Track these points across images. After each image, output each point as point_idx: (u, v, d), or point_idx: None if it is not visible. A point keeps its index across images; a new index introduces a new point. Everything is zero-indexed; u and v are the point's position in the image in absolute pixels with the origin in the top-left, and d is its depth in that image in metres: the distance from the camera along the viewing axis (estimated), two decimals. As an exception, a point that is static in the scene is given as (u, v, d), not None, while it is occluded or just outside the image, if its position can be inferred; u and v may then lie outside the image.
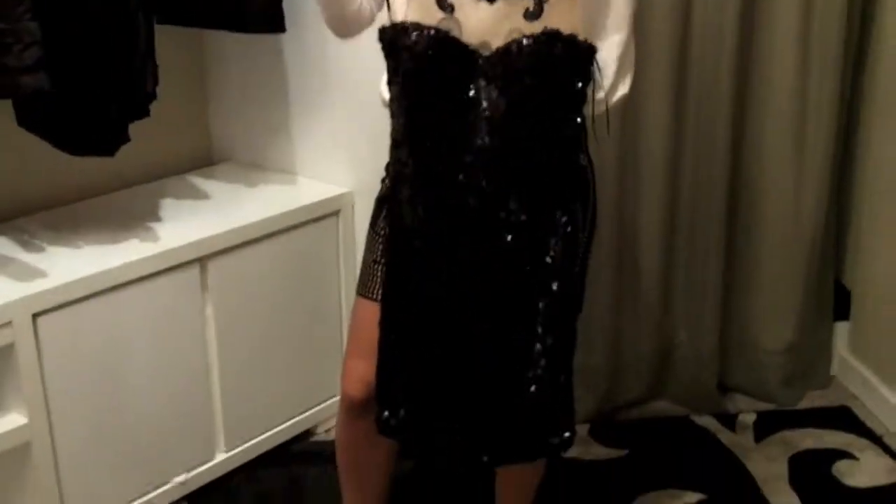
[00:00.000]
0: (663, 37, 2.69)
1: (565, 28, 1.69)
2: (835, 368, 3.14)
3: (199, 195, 2.69)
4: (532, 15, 1.71)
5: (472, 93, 1.70)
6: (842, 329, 3.13)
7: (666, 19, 2.68)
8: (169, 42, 2.48)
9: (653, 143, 2.78)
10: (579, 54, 1.72)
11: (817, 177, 2.84)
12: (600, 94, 1.83)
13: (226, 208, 2.59)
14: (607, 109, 1.88)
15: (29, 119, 2.19)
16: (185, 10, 2.47)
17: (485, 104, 1.70)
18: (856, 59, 2.88)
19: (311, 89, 2.73)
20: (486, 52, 1.70)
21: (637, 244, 2.87)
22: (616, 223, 2.81)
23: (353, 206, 2.74)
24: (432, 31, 1.69)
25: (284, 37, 2.62)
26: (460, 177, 1.73)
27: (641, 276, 2.90)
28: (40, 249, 2.30)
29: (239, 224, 2.48)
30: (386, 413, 1.85)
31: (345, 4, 1.89)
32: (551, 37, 1.68)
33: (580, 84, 1.75)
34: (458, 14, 1.72)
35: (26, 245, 2.32)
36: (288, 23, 2.54)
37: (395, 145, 1.81)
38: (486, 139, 1.71)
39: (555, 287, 1.79)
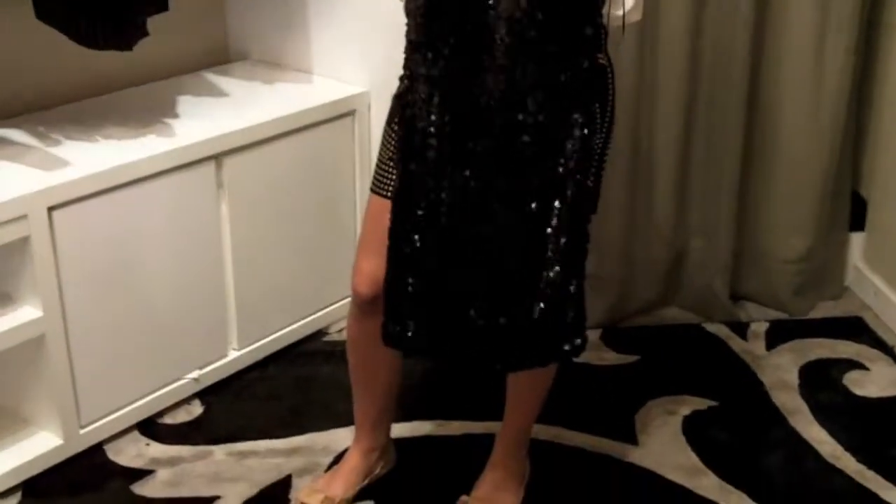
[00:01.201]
0: None
1: None
2: (849, 279, 3.14)
3: (216, 92, 2.67)
4: None
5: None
6: (857, 239, 3.12)
7: None
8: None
9: (671, 53, 2.75)
10: None
11: (836, 88, 2.81)
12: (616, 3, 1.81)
13: (242, 106, 2.58)
14: (624, 23, 1.86)
15: (48, 11, 2.16)
16: None
17: (502, 3, 1.68)
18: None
19: (328, -13, 2.70)
20: None
21: (653, 151, 2.85)
22: (632, 130, 2.79)
23: (369, 106, 2.72)
24: None
25: (302, -68, 2.59)
26: (478, 78, 1.72)
27: (656, 183, 2.89)
28: (56, 143, 2.29)
29: (255, 122, 2.46)
30: (394, 327, 1.86)
31: None
32: None
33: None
34: None
35: (43, 138, 2.32)
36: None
37: (412, 46, 1.80)
38: (505, 38, 1.69)
39: (569, 190, 1.78)
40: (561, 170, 1.77)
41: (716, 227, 2.94)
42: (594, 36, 1.78)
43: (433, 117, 1.76)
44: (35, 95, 2.51)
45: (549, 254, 1.79)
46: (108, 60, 2.40)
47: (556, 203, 1.78)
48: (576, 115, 1.77)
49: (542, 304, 1.81)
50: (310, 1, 2.76)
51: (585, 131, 1.79)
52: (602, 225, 2.69)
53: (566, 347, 1.87)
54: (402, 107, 1.84)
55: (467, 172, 1.77)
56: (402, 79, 1.92)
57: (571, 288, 1.83)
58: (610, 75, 1.89)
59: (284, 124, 2.53)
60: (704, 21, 2.75)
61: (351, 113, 2.70)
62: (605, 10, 1.80)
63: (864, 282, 3.06)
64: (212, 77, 2.78)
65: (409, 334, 1.87)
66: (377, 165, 1.97)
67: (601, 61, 1.84)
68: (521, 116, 1.74)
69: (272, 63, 2.89)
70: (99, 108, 2.53)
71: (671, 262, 2.99)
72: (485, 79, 1.72)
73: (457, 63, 1.73)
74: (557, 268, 1.80)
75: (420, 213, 1.81)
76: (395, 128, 1.91)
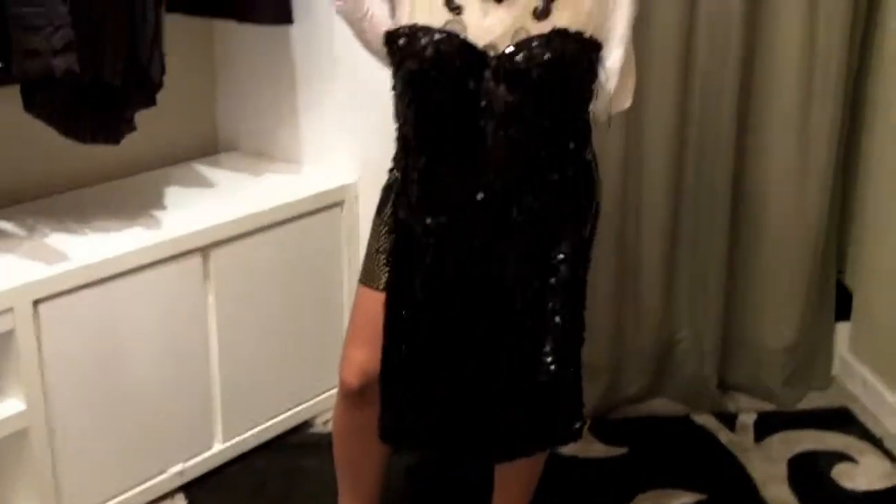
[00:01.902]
0: (668, 34, 2.68)
1: (572, 26, 1.71)
2: (836, 369, 3.14)
3: (204, 183, 2.69)
4: (541, 14, 1.71)
5: (481, 95, 1.71)
6: (843, 329, 3.12)
7: (670, 14, 2.67)
8: (178, 30, 2.47)
9: (656, 140, 2.77)
10: (588, 51, 1.73)
11: (820, 175, 2.83)
12: (603, 98, 1.84)
13: (230, 197, 2.59)
14: (609, 112, 1.89)
15: (36, 105, 2.18)
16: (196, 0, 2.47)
17: (494, 104, 1.71)
18: (859, 62, 2.87)
19: (318, 79, 2.73)
20: (493, 53, 1.70)
21: (639, 240, 2.87)
22: (619, 218, 2.80)
23: (357, 197, 2.73)
24: (441, 35, 1.70)
25: (292, 27, 2.62)
26: (471, 176, 1.74)
27: (643, 272, 2.90)
28: (44, 235, 2.30)
29: (242, 214, 2.48)
30: (391, 421, 1.85)
31: (353, 12, 1.88)
32: (561, 35, 1.69)
33: (588, 81, 1.77)
34: (465, 15, 1.72)
35: (30, 231, 2.32)
36: (296, 14, 2.54)
37: (404, 146, 1.82)
38: (497, 137, 1.71)
39: (564, 279, 1.80)
40: (555, 261, 1.79)
41: (703, 317, 2.94)
42: (583, 131, 1.81)
43: (428, 220, 1.78)
44: (23, 187, 2.52)
45: (548, 345, 1.80)
46: (97, 152, 2.41)
47: (551, 296, 1.80)
48: (567, 208, 1.80)
49: (541, 388, 1.81)
50: (298, 92, 2.79)
51: (576, 223, 1.82)
52: (590, 315, 2.67)
53: (565, 431, 1.87)
54: (394, 205, 1.86)
55: (463, 266, 1.78)
56: (391, 171, 1.94)
57: (570, 371, 1.84)
58: (595, 167, 1.91)
59: (272, 216, 2.54)
60: (689, 108, 2.79)
61: (339, 203, 2.71)
62: (591, 106, 1.83)
63: (852, 372, 3.06)
64: (201, 168, 2.80)
65: (407, 428, 1.86)
66: (366, 257, 1.97)
67: (587, 157, 1.86)
68: (514, 212, 1.75)
69: (261, 153, 2.92)
70: (87, 199, 2.54)
71: (659, 351, 2.98)
72: (477, 178, 1.74)
73: (449, 163, 1.76)
74: (555, 354, 1.80)
75: (415, 309, 1.81)
76: (385, 219, 1.92)
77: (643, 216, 2.85)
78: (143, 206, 2.47)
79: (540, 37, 1.69)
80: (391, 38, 1.75)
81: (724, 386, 3.03)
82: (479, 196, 1.74)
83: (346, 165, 2.74)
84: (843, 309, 3.11)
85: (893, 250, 2.82)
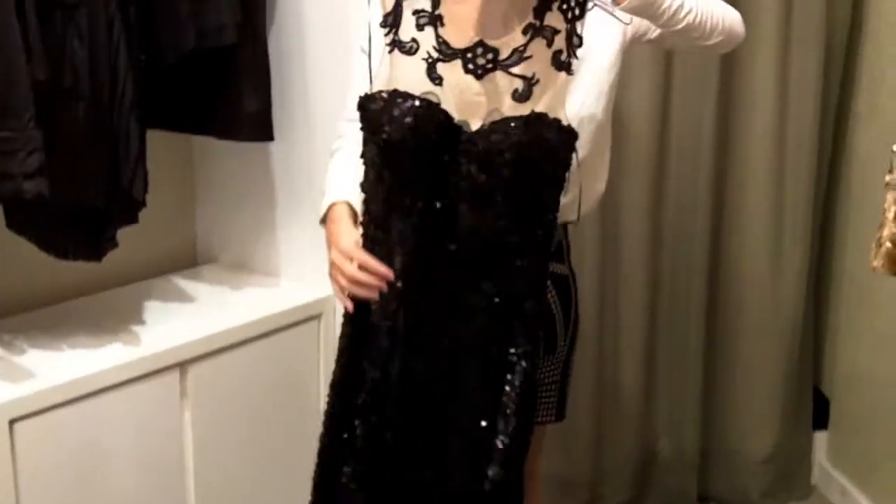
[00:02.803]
0: (643, 119, 2.73)
1: (551, 113, 1.70)
2: (815, 478, 3.14)
3: (182, 297, 2.69)
4: (521, 96, 1.70)
5: (452, 170, 1.69)
6: (821, 438, 3.13)
7: (644, 100, 2.72)
8: (158, 143, 2.49)
9: (631, 259, 2.82)
10: (563, 140, 1.71)
11: (794, 283, 2.87)
12: (573, 191, 1.85)
13: (207, 312, 2.59)
14: (580, 199, 1.89)
15: (18, 222, 2.19)
16: (177, 116, 2.50)
17: (463, 182, 1.69)
18: (831, 160, 2.92)
19: (296, 194, 2.75)
20: (469, 128, 1.70)
21: (618, 354, 2.88)
22: (596, 334, 2.82)
23: (334, 310, 2.74)
24: (419, 102, 1.68)
25: (272, 143, 2.65)
26: (436, 247, 1.72)
27: (622, 385, 2.91)
28: (20, 352, 2.28)
29: (219, 329, 2.47)
30: None
31: None
32: (539, 120, 1.68)
33: (561, 170, 1.74)
34: (445, 86, 1.71)
35: (6, 347, 2.31)
36: (276, 130, 2.56)
37: (373, 222, 1.79)
38: (463, 215, 1.70)
39: (517, 382, 1.76)
40: (511, 359, 1.76)
41: (682, 428, 2.95)
42: (551, 222, 1.78)
43: (392, 305, 1.76)
44: (0, 302, 2.51)
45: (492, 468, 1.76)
46: (76, 266, 2.41)
47: (504, 397, 1.76)
48: (530, 305, 1.77)
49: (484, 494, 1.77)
50: (277, 205, 2.81)
51: (538, 325, 1.80)
52: (570, 429, 2.69)
53: None
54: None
55: (419, 364, 1.76)
56: None
57: (513, 478, 1.80)
58: (573, 282, 1.92)
59: (249, 330, 2.53)
60: (663, 225, 2.83)
61: (317, 317, 2.71)
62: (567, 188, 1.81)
63: (831, 481, 3.06)
64: (179, 281, 2.81)
65: None
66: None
67: (561, 271, 1.87)
68: (475, 298, 1.73)
69: (240, 266, 2.93)
70: (65, 314, 2.54)
71: (640, 463, 2.98)
72: (442, 249, 1.72)
73: (419, 236, 1.74)
74: (501, 458, 1.77)
75: (363, 401, 1.81)
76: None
77: (620, 331, 2.87)
78: (121, 320, 2.47)
79: (517, 119, 1.68)
80: (366, 101, 1.74)
81: (705, 498, 3.02)
82: (447, 271, 1.72)
83: (323, 278, 2.73)
84: (822, 418, 3.12)
85: (868, 358, 2.85)
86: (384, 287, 1.76)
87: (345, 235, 1.88)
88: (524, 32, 1.71)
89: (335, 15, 2.54)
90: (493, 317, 1.74)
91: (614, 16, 1.77)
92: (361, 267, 1.78)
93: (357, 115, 1.90)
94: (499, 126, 1.68)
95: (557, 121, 1.70)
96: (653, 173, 2.76)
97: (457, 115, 1.71)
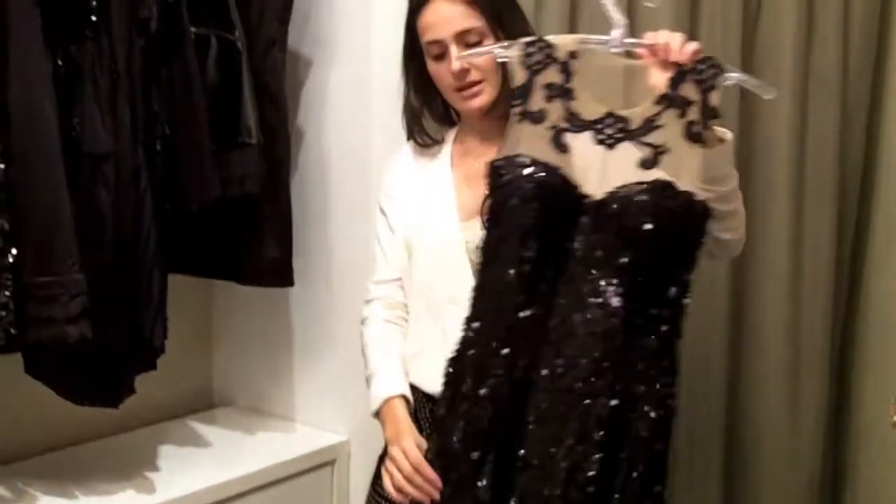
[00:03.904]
0: None
1: (680, 184, 1.66)
2: None
3: (198, 442, 2.69)
4: (648, 164, 1.69)
5: (573, 237, 1.69)
6: None
7: None
8: (177, 286, 2.51)
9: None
10: (694, 213, 1.68)
11: (811, 440, 2.83)
12: None
13: (222, 457, 2.59)
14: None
15: (36, 368, 2.21)
16: (199, 261, 2.54)
17: (582, 250, 1.69)
18: (847, 302, 2.91)
19: (313, 339, 2.78)
20: (593, 197, 1.70)
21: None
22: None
23: (349, 454, 2.73)
24: (547, 168, 1.70)
25: (292, 288, 2.68)
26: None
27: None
28: (34, 499, 2.28)
29: (235, 475, 2.46)
30: None
31: None
32: (667, 188, 1.66)
33: (689, 246, 1.70)
34: (570, 155, 1.73)
35: (20, 494, 2.30)
36: (296, 276, 2.60)
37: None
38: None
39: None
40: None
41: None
42: (676, 301, 1.71)
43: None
44: (14, 445, 2.51)
45: None
46: (91, 408, 2.42)
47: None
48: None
49: None
50: (294, 349, 2.83)
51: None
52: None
53: None
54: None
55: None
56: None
57: None
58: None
59: (264, 476, 2.52)
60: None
61: (331, 462, 2.70)
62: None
63: None
64: (196, 425, 2.81)
65: None
66: None
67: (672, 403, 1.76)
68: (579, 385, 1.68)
69: (256, 409, 2.93)
70: (80, 457, 2.54)
71: None
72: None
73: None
74: None
75: None
76: (380, 491, 1.94)
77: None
78: (135, 465, 2.46)
79: (644, 185, 1.66)
80: (494, 167, 1.75)
81: None
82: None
83: (338, 422, 2.75)
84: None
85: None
86: (436, 495, 1.80)
87: (407, 435, 1.92)
88: (657, 103, 1.71)
89: (357, 164, 2.60)
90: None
91: (755, 90, 1.76)
92: (416, 469, 1.83)
93: (385, 275, 1.99)
94: (625, 194, 1.67)
95: (689, 193, 1.66)
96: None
97: (581, 184, 1.72)
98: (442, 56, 1.96)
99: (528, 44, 1.77)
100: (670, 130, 1.70)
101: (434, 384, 1.87)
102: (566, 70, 1.75)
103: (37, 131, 1.97)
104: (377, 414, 2.03)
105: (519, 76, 1.77)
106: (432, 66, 2.00)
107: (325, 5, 2.62)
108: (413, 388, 2.03)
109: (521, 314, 1.72)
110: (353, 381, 2.67)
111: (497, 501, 1.71)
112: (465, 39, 1.92)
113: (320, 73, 2.67)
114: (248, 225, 2.51)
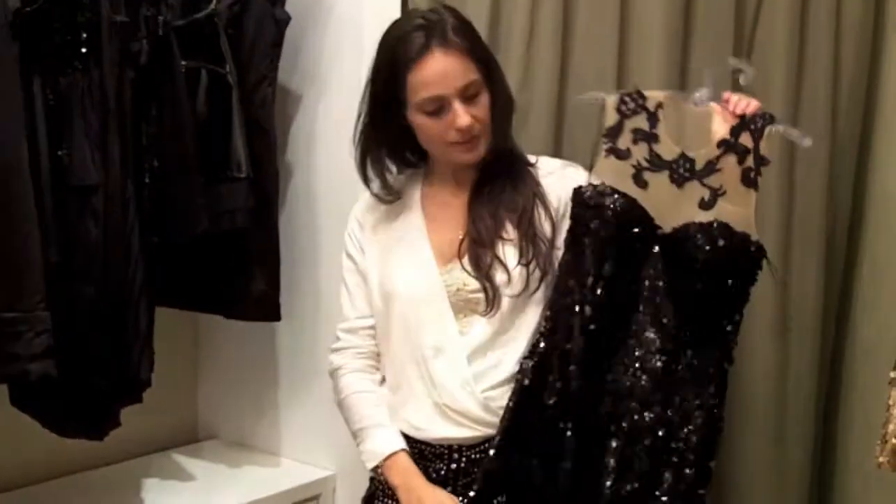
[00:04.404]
0: None
1: (734, 226, 1.82)
2: None
3: (183, 476, 2.68)
4: (706, 205, 1.84)
5: (644, 265, 1.85)
6: None
7: None
8: (162, 319, 2.51)
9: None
10: (748, 253, 1.84)
11: (795, 483, 2.82)
12: None
13: (206, 491, 2.58)
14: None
15: (21, 399, 2.20)
16: (185, 294, 2.53)
17: (651, 280, 1.85)
18: (833, 350, 2.91)
19: (300, 373, 2.77)
20: (664, 230, 1.85)
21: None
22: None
23: (334, 489, 2.72)
24: (626, 198, 1.85)
25: (278, 322, 2.68)
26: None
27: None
28: (15, 531, 2.27)
29: (218, 511, 2.46)
30: None
31: None
32: (724, 228, 1.82)
33: (740, 283, 1.86)
34: (649, 191, 1.86)
35: (0, 529, 2.29)
36: (283, 310, 2.59)
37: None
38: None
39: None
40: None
41: None
42: (732, 333, 1.87)
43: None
44: (-3, 478, 2.50)
45: None
46: (76, 440, 2.40)
47: None
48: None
49: None
50: (280, 384, 2.83)
51: None
52: None
53: None
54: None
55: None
56: (372, 479, 1.95)
57: None
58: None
59: (249, 512, 2.52)
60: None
61: (316, 497, 2.69)
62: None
63: None
64: (180, 458, 2.80)
65: None
66: None
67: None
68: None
69: (241, 443, 2.92)
70: (63, 490, 2.53)
71: None
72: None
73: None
74: None
75: None
76: None
77: None
78: (120, 498, 2.48)
79: (705, 226, 1.82)
80: (579, 192, 1.89)
81: None
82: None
83: (324, 457, 2.74)
84: None
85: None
86: None
87: (437, 491, 1.95)
88: (718, 146, 1.86)
89: (346, 199, 2.59)
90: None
91: (796, 141, 1.88)
92: None
93: (355, 324, 2.04)
94: (689, 228, 1.83)
95: (745, 234, 1.82)
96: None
97: (655, 217, 1.86)
98: (438, 112, 1.90)
99: (625, 93, 1.93)
100: (728, 175, 1.87)
101: (420, 430, 1.95)
102: (653, 118, 1.91)
103: (7, 168, 1.94)
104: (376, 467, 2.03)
105: (611, 118, 1.93)
106: (421, 121, 1.93)
107: (315, 40, 2.63)
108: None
109: (591, 327, 1.86)
110: (338, 417, 2.65)
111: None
112: (466, 93, 1.89)
113: (310, 108, 2.68)
114: (235, 259, 2.50)
